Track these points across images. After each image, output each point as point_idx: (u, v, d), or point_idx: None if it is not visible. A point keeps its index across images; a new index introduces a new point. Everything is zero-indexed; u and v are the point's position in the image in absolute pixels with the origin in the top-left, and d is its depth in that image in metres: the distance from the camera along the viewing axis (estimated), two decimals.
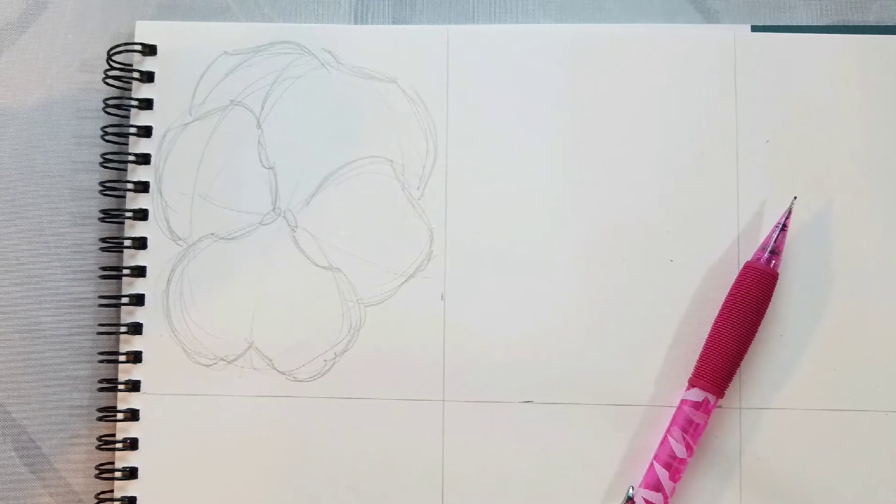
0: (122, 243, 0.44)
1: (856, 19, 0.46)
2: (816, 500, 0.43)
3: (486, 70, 0.45)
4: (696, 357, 0.42)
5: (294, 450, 0.44)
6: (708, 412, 0.41)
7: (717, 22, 0.46)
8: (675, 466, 0.41)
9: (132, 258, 0.45)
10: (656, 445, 0.42)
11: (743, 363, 0.42)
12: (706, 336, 0.42)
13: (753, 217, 0.44)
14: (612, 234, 0.44)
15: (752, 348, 0.42)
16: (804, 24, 0.46)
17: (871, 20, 0.46)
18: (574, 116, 0.45)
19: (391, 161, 0.45)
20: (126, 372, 0.44)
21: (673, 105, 0.45)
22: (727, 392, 0.42)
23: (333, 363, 0.44)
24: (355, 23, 0.46)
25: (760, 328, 0.42)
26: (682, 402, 0.42)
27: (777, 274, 0.42)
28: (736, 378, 0.43)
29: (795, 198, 0.43)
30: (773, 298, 0.42)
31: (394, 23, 0.46)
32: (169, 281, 0.44)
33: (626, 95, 0.45)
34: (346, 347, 0.44)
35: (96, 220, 0.45)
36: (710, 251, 0.44)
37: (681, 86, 0.45)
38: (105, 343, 0.45)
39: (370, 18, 0.47)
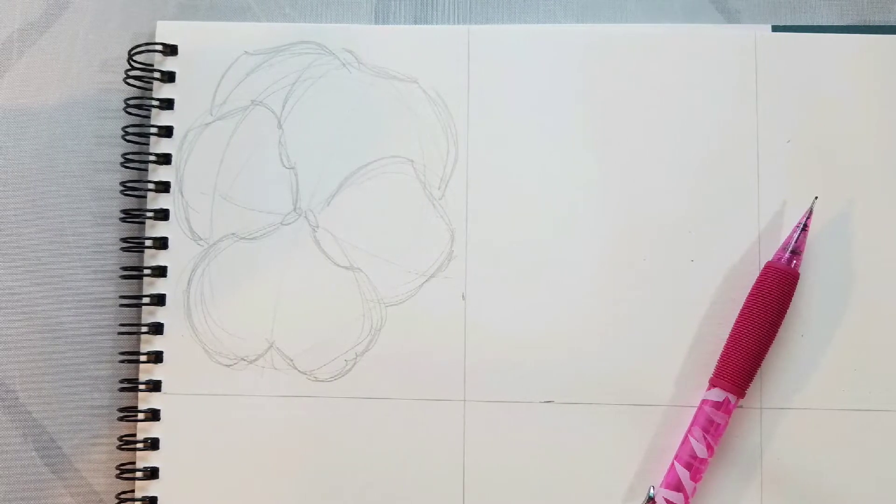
0: (143, 243, 0.45)
1: (877, 19, 0.46)
2: (838, 501, 0.43)
3: (506, 70, 0.45)
4: (717, 357, 0.42)
5: (315, 449, 0.44)
6: (729, 412, 0.41)
7: (738, 22, 0.46)
8: (696, 466, 0.41)
9: (153, 258, 0.45)
10: (677, 445, 0.42)
11: (764, 363, 0.42)
12: (727, 336, 0.42)
13: (774, 217, 0.44)
14: (633, 234, 0.44)
15: (773, 348, 0.43)
16: (825, 24, 0.46)
17: (893, 20, 0.46)
18: (594, 116, 0.45)
19: (412, 161, 0.45)
20: (147, 372, 0.44)
21: (694, 105, 0.45)
22: (748, 392, 0.42)
23: (354, 363, 0.44)
24: (376, 23, 0.47)
25: (781, 328, 0.42)
26: (703, 402, 0.42)
27: (798, 274, 0.42)
28: (757, 378, 0.43)
29: (816, 198, 0.43)
30: (794, 298, 0.42)
31: (415, 23, 0.47)
32: (190, 281, 0.45)
33: (647, 95, 0.45)
34: (367, 347, 0.44)
35: (117, 220, 0.45)
36: (731, 251, 0.44)
37: (701, 86, 0.45)
38: (126, 343, 0.45)
39: (391, 18, 0.47)
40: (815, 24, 0.46)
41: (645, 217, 0.44)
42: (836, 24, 0.46)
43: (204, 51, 0.46)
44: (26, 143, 0.46)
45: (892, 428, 0.43)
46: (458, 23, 0.46)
